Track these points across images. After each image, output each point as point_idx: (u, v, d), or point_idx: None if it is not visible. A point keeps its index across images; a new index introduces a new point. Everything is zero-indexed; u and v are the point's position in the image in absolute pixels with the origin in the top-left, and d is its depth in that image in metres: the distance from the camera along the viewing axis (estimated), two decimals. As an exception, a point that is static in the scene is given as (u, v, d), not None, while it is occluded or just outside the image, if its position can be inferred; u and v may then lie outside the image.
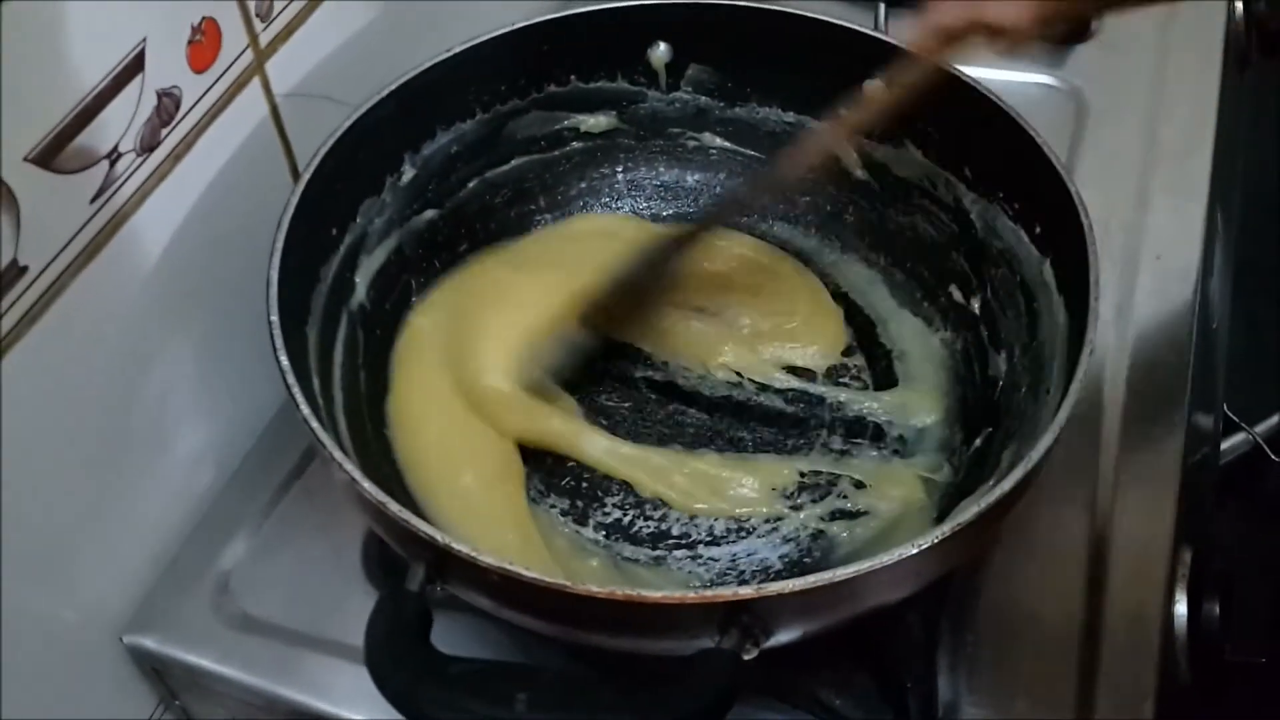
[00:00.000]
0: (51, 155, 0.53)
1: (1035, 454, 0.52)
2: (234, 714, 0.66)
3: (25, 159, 0.52)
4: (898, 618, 0.59)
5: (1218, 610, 0.62)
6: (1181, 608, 0.62)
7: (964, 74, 0.66)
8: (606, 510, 0.66)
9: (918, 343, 0.71)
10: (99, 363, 0.60)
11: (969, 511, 0.50)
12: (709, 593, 0.48)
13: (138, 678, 0.67)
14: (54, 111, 0.53)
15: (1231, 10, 0.92)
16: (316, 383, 0.60)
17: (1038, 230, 0.65)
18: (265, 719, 0.64)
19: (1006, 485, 0.51)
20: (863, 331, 0.73)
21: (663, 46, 0.74)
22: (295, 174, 0.70)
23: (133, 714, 0.68)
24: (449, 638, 0.52)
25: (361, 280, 0.68)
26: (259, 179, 0.67)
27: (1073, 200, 0.60)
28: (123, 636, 0.64)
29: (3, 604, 0.57)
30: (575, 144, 0.77)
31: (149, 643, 0.64)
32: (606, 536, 0.65)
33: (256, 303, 0.58)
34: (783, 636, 0.50)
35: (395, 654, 0.48)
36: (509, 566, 0.48)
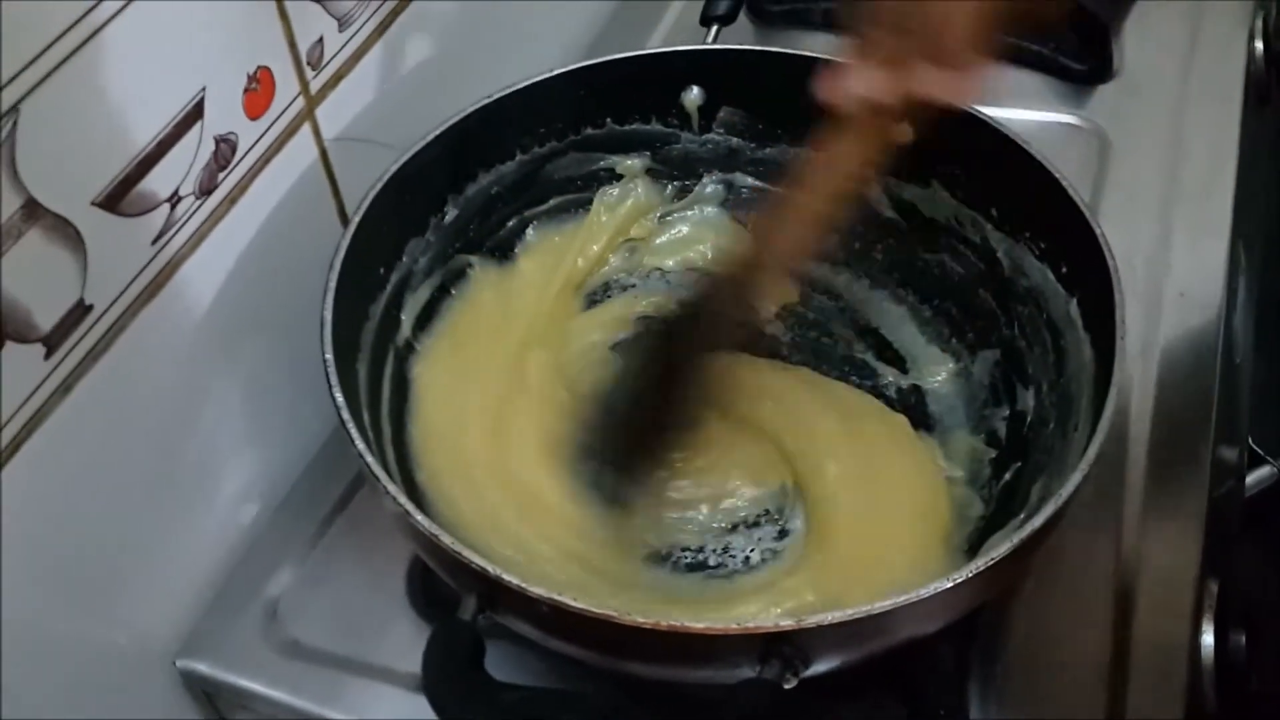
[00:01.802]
0: (117, 199, 0.55)
1: (1066, 490, 0.53)
2: (281, 737, 0.68)
3: (93, 203, 0.54)
4: (929, 648, 0.60)
5: (1244, 641, 0.63)
6: (1208, 638, 0.63)
7: (988, 116, 0.68)
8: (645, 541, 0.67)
9: (947, 378, 0.73)
10: (155, 398, 0.62)
11: (1001, 547, 0.51)
12: (751, 624, 0.49)
13: (189, 701, 0.68)
14: (120, 157, 0.55)
15: (1252, 49, 0.93)
16: (367, 416, 0.62)
17: (1064, 269, 0.66)
18: (311, 742, 0.66)
19: (1038, 521, 0.52)
20: (893, 366, 0.74)
21: (696, 90, 0.76)
22: (343, 215, 0.72)
23: (183, 735, 0.70)
24: (500, 663, 0.53)
25: (407, 316, 0.70)
26: (308, 220, 0.69)
27: (1097, 240, 0.62)
28: (176, 661, 0.66)
29: (60, 629, 0.59)
30: (611, 184, 0.79)
31: (201, 667, 0.66)
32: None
33: (305, 339, 0.59)
34: (820, 666, 0.52)
35: (452, 682, 0.49)
36: (557, 597, 0.49)
